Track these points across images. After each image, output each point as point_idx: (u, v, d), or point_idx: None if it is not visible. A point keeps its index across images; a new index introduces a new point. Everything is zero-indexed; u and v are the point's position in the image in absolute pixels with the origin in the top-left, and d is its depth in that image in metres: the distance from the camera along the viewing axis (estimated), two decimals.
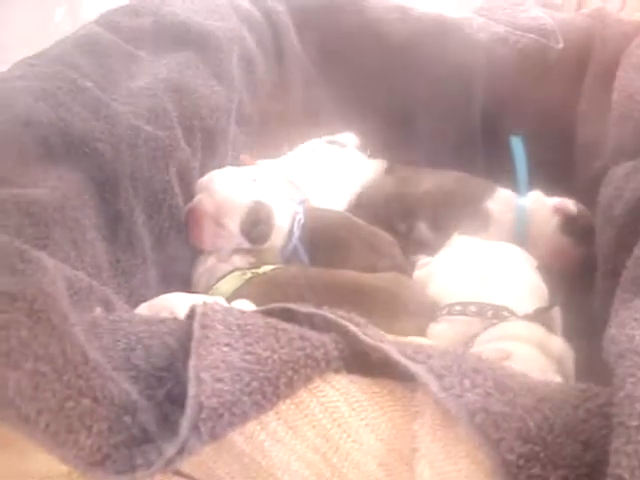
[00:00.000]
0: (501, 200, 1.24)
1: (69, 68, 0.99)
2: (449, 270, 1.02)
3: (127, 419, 0.50)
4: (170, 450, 0.47)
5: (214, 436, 0.48)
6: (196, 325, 0.55)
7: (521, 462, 0.47)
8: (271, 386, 0.51)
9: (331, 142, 1.39)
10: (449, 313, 0.93)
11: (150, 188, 0.96)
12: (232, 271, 1.02)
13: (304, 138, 1.40)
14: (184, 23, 1.22)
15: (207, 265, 1.06)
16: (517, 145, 1.32)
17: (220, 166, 1.18)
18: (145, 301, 0.85)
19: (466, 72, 1.39)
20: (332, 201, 1.25)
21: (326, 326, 0.58)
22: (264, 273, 1.00)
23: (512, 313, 0.90)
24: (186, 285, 1.04)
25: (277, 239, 1.11)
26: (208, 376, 0.50)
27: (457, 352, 0.55)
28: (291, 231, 1.11)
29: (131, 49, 1.14)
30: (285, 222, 1.11)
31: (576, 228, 1.15)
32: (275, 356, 0.53)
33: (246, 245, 1.08)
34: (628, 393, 0.46)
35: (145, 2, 1.26)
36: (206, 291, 1.01)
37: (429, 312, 0.96)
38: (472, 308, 0.91)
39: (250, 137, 1.35)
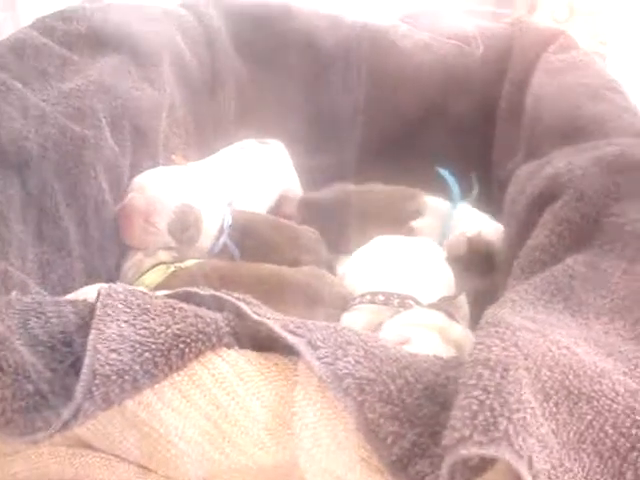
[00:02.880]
0: (426, 219, 1.30)
1: (0, 69, 1.02)
2: (363, 264, 1.08)
3: (29, 387, 0.55)
4: (66, 413, 0.52)
5: (107, 401, 0.53)
6: (98, 304, 0.60)
7: (381, 420, 0.52)
8: (163, 357, 0.57)
9: (262, 142, 1.44)
10: (360, 302, 0.99)
11: (76, 185, 1.00)
12: (156, 265, 1.06)
13: (237, 140, 1.45)
14: (117, 29, 1.26)
15: (134, 260, 1.10)
16: (446, 175, 1.37)
17: (152, 166, 1.22)
18: (69, 293, 0.90)
19: (391, 78, 1.45)
20: (257, 200, 1.31)
21: (221, 306, 0.64)
22: (187, 267, 1.05)
23: (417, 302, 0.96)
24: (112, 279, 1.08)
25: (205, 241, 1.15)
26: (103, 347, 0.55)
27: (336, 327, 0.61)
28: (219, 233, 1.16)
29: (65, 52, 1.18)
30: (213, 225, 1.16)
31: (473, 260, 1.19)
32: (168, 331, 0.58)
33: (174, 244, 1.12)
34: (474, 358, 0.52)
35: (80, 8, 1.30)
36: (132, 284, 1.05)
37: (343, 303, 1.02)
38: (380, 297, 0.97)
39: (183, 138, 1.40)
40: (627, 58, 1.83)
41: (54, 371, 0.57)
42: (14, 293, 0.68)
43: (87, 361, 0.53)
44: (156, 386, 0.58)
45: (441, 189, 1.36)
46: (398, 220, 1.28)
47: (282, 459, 0.59)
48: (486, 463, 0.48)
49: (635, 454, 0.52)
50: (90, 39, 1.23)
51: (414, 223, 1.27)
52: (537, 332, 0.58)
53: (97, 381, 0.53)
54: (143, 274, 1.06)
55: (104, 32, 1.26)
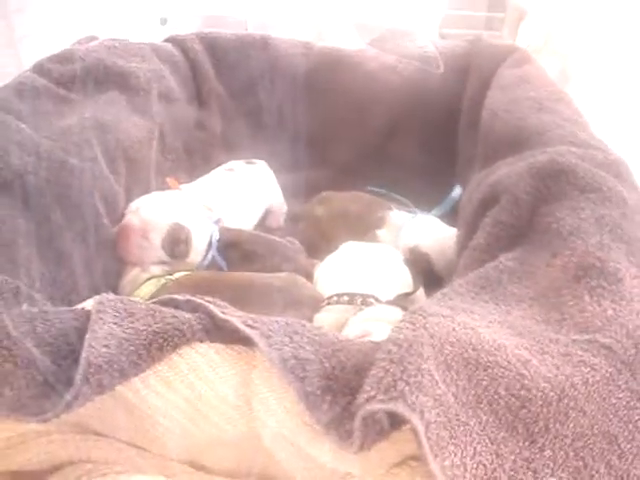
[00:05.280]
0: (390, 227, 1.44)
1: (6, 113, 1.17)
2: (331, 268, 1.22)
3: (39, 378, 0.68)
4: (68, 396, 0.65)
5: (101, 386, 0.67)
6: (93, 310, 0.74)
7: (318, 392, 0.66)
8: (145, 350, 0.70)
9: (249, 162, 1.58)
10: (328, 303, 1.13)
11: (77, 212, 1.14)
12: (149, 278, 1.20)
13: (224, 162, 1.59)
14: (108, 67, 1.41)
15: (130, 275, 1.24)
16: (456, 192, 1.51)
17: (145, 189, 1.36)
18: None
19: (359, 98, 1.59)
20: (245, 216, 1.45)
21: (195, 309, 0.77)
22: (176, 279, 1.19)
23: (377, 300, 1.09)
24: (113, 293, 1.21)
25: (195, 256, 1.29)
26: (97, 343, 0.68)
27: (287, 321, 0.74)
28: (208, 248, 1.30)
29: (62, 92, 1.33)
30: (202, 241, 1.30)
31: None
32: (150, 329, 0.72)
33: (167, 259, 1.26)
34: (388, 338, 0.66)
35: (74, 50, 1.45)
36: (129, 296, 1.18)
37: (315, 304, 1.15)
38: (345, 298, 1.11)
39: (175, 163, 1.54)
40: None
41: (59, 365, 0.70)
42: (25, 306, 0.81)
43: (84, 354, 0.67)
44: (142, 374, 0.71)
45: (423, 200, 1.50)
46: (365, 227, 1.42)
47: (248, 431, 0.72)
48: (398, 424, 0.62)
49: (524, 411, 0.64)
50: (84, 78, 1.37)
51: (378, 231, 1.41)
52: (448, 317, 0.72)
53: (92, 370, 0.66)
54: (139, 287, 1.19)
55: (97, 71, 1.40)
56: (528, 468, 0.61)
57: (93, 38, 1.60)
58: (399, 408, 0.56)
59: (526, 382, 0.66)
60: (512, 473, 0.61)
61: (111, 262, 1.23)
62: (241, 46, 1.66)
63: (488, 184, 1.11)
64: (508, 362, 0.67)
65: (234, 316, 0.73)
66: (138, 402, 0.73)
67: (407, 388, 0.58)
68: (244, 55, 1.64)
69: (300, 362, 0.67)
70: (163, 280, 1.18)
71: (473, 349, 0.67)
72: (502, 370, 0.66)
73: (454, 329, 0.68)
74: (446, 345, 0.66)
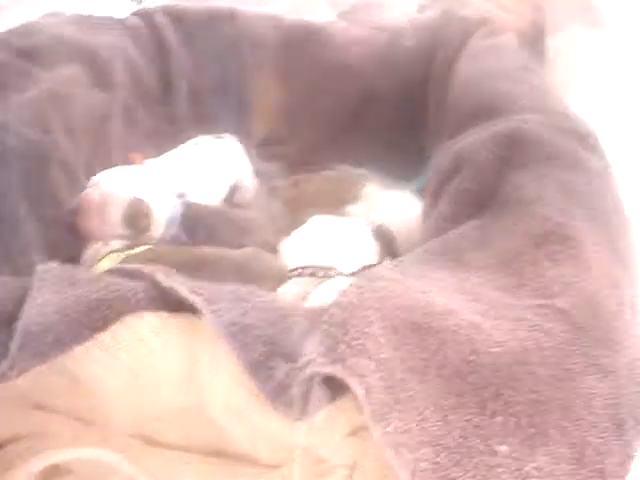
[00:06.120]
0: (359, 205, 1.42)
1: None
2: (296, 241, 1.20)
3: None
4: (4, 365, 0.63)
5: (38, 355, 0.65)
6: (34, 278, 0.72)
7: (262, 358, 0.64)
8: (87, 318, 0.68)
9: (217, 137, 1.55)
10: (291, 276, 1.11)
11: (34, 185, 1.11)
12: (110, 252, 1.18)
13: (193, 137, 1.56)
14: (70, 41, 1.38)
15: (91, 250, 1.21)
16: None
17: (107, 164, 1.34)
18: None
19: (332, 70, 1.57)
20: (210, 190, 1.42)
21: (143, 278, 0.75)
22: (136, 253, 1.16)
23: (339, 272, 1.08)
24: None
25: (156, 230, 1.26)
26: (35, 311, 0.66)
27: (236, 289, 0.73)
28: (170, 223, 1.28)
29: (23, 65, 1.30)
30: (163, 216, 1.27)
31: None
32: (92, 297, 0.70)
33: (127, 233, 1.24)
34: (335, 301, 0.64)
35: (35, 23, 1.41)
36: None
37: (279, 277, 1.13)
38: (308, 270, 1.09)
39: (140, 138, 1.51)
40: None
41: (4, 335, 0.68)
42: None
43: (21, 322, 0.65)
44: (84, 344, 0.69)
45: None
46: (337, 203, 1.40)
47: (194, 400, 0.71)
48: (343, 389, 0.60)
49: (474, 376, 0.63)
50: (45, 51, 1.34)
51: (350, 207, 1.39)
52: (398, 281, 0.70)
53: (29, 338, 0.64)
54: (99, 261, 1.17)
55: (58, 44, 1.37)
56: (478, 435, 0.60)
57: (58, 14, 1.56)
58: (338, 371, 0.55)
59: (477, 346, 0.64)
60: (461, 440, 0.59)
61: (69, 236, 1.20)
62: (209, 19, 1.62)
63: (452, 152, 1.10)
64: (458, 326, 0.65)
65: (179, 283, 0.71)
66: (81, 373, 0.71)
67: (348, 351, 0.56)
68: (210, 27, 1.61)
69: (244, 328, 0.65)
70: (123, 255, 1.16)
71: (422, 313, 0.65)
72: (452, 334, 0.65)
73: (403, 293, 0.67)
74: (393, 309, 0.64)
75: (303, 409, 0.59)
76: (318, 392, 0.58)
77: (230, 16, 1.62)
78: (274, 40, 1.60)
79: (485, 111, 1.21)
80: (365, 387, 0.55)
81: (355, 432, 0.66)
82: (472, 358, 0.64)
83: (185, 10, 1.65)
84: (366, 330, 0.59)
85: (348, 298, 0.63)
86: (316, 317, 0.68)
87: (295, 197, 1.51)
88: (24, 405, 0.75)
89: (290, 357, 0.64)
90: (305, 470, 0.66)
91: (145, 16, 1.59)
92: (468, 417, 0.61)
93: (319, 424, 0.65)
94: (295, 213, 1.42)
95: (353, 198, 1.42)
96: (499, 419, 0.61)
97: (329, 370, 0.55)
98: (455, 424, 0.60)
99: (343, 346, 0.57)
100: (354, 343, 0.57)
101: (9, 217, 1.07)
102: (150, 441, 0.75)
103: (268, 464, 0.71)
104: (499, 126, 1.08)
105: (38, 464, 0.71)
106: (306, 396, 0.58)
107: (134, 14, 1.61)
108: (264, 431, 0.67)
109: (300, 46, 1.58)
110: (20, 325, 0.65)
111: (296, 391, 0.57)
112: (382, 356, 0.59)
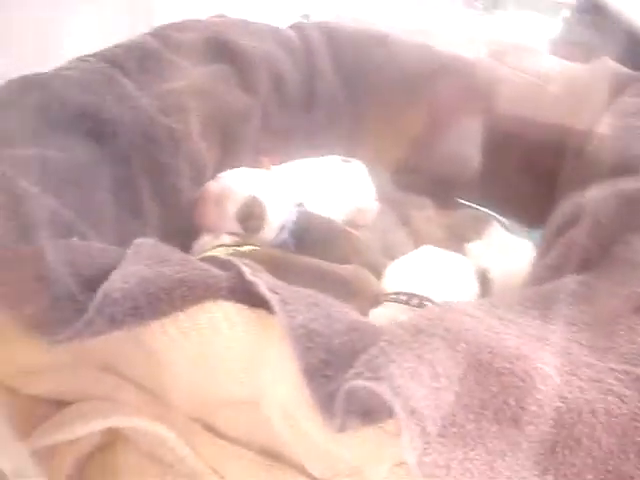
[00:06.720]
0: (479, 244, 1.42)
1: (112, 66, 1.21)
2: (399, 267, 1.20)
3: (63, 304, 0.70)
4: (80, 324, 0.67)
5: (115, 321, 0.68)
6: (129, 250, 0.75)
7: (320, 365, 0.64)
8: (167, 295, 0.70)
9: (345, 160, 1.57)
10: (386, 300, 1.11)
11: (159, 168, 1.17)
12: (218, 245, 1.22)
13: (324, 154, 1.59)
14: (223, 41, 1.44)
15: (202, 240, 1.26)
16: None
17: (237, 164, 1.38)
18: None
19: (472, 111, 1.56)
20: (329, 208, 1.44)
21: (229, 268, 0.77)
22: (243, 251, 1.19)
23: (434, 303, 1.06)
24: None
25: (268, 233, 1.30)
26: (119, 280, 0.70)
27: (314, 294, 0.73)
28: (282, 228, 1.30)
29: (172, 57, 1.37)
30: (277, 219, 1.30)
31: None
32: (176, 276, 0.72)
33: (239, 230, 1.28)
34: (401, 321, 0.63)
35: (196, 21, 1.49)
36: None
37: (375, 299, 1.13)
38: (402, 297, 1.08)
39: (275, 144, 1.55)
40: None
41: (88, 296, 0.72)
42: (75, 238, 0.84)
43: (104, 286, 0.68)
44: (162, 319, 0.72)
45: None
46: (458, 239, 1.39)
47: (253, 395, 0.72)
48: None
49: (531, 428, 0.61)
50: (198, 48, 1.41)
51: (468, 245, 1.37)
52: (475, 317, 0.68)
53: (107, 302, 0.67)
54: (205, 252, 1.21)
55: (212, 43, 1.44)
56: None
57: (222, 16, 1.64)
58: (381, 389, 0.54)
59: (540, 397, 0.62)
60: None
61: (186, 224, 1.25)
62: (361, 40, 1.65)
63: (573, 204, 1.06)
64: (525, 373, 0.63)
65: (261, 279, 0.73)
66: (155, 347, 0.73)
67: (398, 372, 0.56)
68: (362, 50, 1.64)
69: (310, 332, 0.66)
70: (231, 250, 1.19)
71: (490, 352, 0.63)
72: (516, 380, 0.62)
73: (475, 329, 0.65)
74: (460, 342, 0.63)
75: (343, 422, 0.58)
76: (360, 407, 0.58)
77: (382, 41, 1.64)
78: (424, 70, 1.60)
79: (616, 169, 1.17)
80: (409, 411, 0.54)
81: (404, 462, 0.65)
82: (533, 409, 0.61)
83: (340, 29, 1.69)
84: (425, 356, 0.58)
85: (415, 321, 0.62)
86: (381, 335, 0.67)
87: (422, 229, 1.50)
88: (98, 368, 0.79)
89: (346, 370, 0.64)
90: None
91: (300, 30, 1.64)
92: (516, 469, 0.59)
93: (366, 445, 0.64)
94: (415, 244, 1.42)
95: (475, 236, 1.41)
96: (549, 478, 0.58)
97: (373, 385, 0.55)
98: (501, 472, 0.58)
99: (394, 366, 0.56)
100: (406, 365, 0.57)
101: (134, 199, 1.12)
102: (210, 428, 0.78)
103: (319, 478, 0.71)
104: (625, 185, 1.03)
105: (99, 424, 0.74)
106: (347, 408, 0.57)
107: (290, 27, 1.66)
108: (314, 442, 0.67)
109: (450, 79, 1.57)
110: (102, 288, 0.68)
111: (338, 402, 0.57)
112: (436, 385, 0.58)
